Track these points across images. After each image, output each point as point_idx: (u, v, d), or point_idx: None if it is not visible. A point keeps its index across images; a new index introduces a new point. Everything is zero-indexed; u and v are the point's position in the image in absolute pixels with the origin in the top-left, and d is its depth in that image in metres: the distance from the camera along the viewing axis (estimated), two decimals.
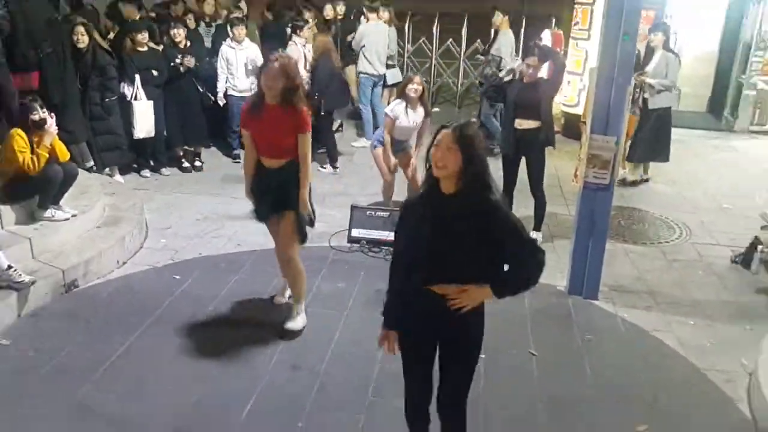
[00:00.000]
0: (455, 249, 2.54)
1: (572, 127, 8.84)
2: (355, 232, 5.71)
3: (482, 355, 4.04)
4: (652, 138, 7.52)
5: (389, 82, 8.84)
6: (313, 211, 4.30)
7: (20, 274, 4.30)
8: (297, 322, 4.26)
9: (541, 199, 5.81)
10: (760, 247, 5.52)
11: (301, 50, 7.72)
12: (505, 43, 8.46)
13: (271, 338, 4.21)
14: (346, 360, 4.01)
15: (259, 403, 3.59)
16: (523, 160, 5.76)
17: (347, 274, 5.11)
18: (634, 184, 7.62)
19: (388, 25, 8.97)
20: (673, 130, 10.08)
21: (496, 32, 8.67)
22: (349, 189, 7.04)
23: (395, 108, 5.87)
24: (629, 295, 5.02)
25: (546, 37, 9.25)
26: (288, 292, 4.55)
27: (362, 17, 8.95)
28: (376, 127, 8.75)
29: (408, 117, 5.83)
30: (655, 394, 3.82)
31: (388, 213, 5.73)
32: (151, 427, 3.36)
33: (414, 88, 5.75)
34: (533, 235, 5.83)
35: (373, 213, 5.78)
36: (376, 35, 8.60)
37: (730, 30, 10.74)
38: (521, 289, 2.68)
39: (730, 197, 7.27)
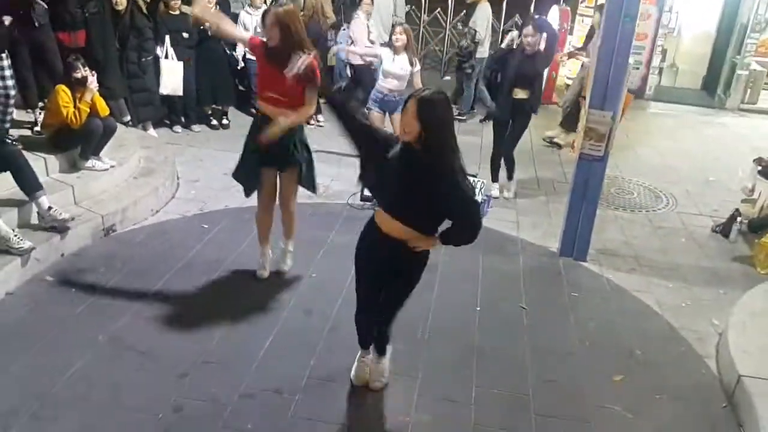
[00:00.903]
0: (411, 195, 2.69)
1: None
2: (367, 192, 5.73)
3: (477, 308, 4.17)
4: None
5: None
6: (310, 162, 4.12)
7: (60, 213, 4.37)
8: (290, 261, 4.43)
9: (511, 158, 5.97)
10: (739, 219, 5.52)
11: (364, 22, 7.56)
12: (481, 16, 8.26)
13: (288, 283, 4.30)
14: (354, 305, 4.08)
15: (275, 342, 3.69)
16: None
17: (359, 229, 5.13)
18: (559, 146, 7.57)
19: None
20: (667, 105, 10.01)
21: (471, 5, 8.42)
22: None
23: (383, 50, 5.88)
24: (615, 258, 5.05)
25: (554, 13, 9.06)
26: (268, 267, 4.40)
27: None
28: None
29: (394, 63, 5.70)
30: (633, 348, 3.89)
31: None
32: (178, 359, 3.46)
33: (396, 37, 5.67)
34: (508, 184, 6.06)
35: None
36: (380, 2, 8.41)
37: (728, 12, 10.50)
38: (462, 243, 2.83)
39: (716, 171, 7.22)
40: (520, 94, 5.62)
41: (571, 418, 3.29)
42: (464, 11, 10.12)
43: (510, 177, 6.06)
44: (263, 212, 4.27)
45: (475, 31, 8.16)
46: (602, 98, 4.48)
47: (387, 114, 5.95)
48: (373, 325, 3.25)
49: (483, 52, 8.29)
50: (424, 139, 2.58)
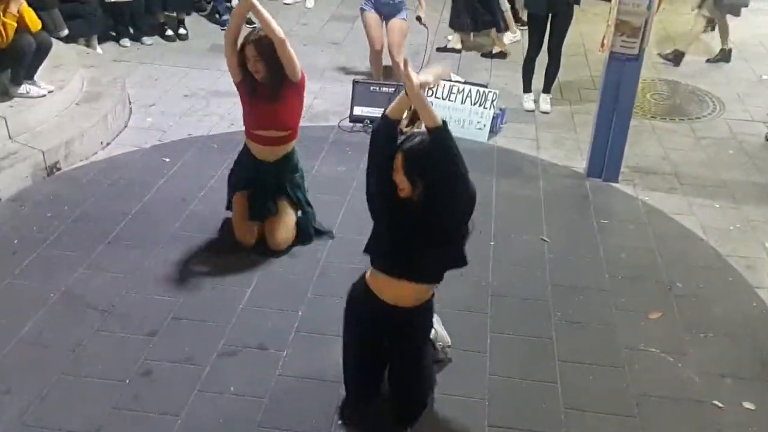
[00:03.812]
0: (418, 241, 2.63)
1: None
2: (357, 110, 5.61)
3: (491, 242, 4.17)
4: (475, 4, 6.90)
5: None
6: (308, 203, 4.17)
7: None
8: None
9: (557, 60, 5.84)
10: None
11: None
12: None
13: None
14: (347, 247, 4.05)
15: (256, 291, 3.70)
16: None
17: (348, 157, 5.09)
18: (457, 51, 7.18)
19: None
20: None
21: None
22: (351, 61, 6.86)
23: None
24: (652, 176, 5.02)
25: None
26: None
27: None
28: None
29: None
30: (672, 280, 3.91)
31: (393, 88, 5.60)
32: (143, 316, 3.47)
33: None
34: (542, 97, 5.95)
35: (377, 89, 5.65)
36: None
37: None
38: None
39: None
40: None
41: (601, 363, 3.32)
42: None
43: (547, 89, 5.96)
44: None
45: None
46: None
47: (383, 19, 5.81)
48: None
49: None
50: (417, 192, 2.53)
